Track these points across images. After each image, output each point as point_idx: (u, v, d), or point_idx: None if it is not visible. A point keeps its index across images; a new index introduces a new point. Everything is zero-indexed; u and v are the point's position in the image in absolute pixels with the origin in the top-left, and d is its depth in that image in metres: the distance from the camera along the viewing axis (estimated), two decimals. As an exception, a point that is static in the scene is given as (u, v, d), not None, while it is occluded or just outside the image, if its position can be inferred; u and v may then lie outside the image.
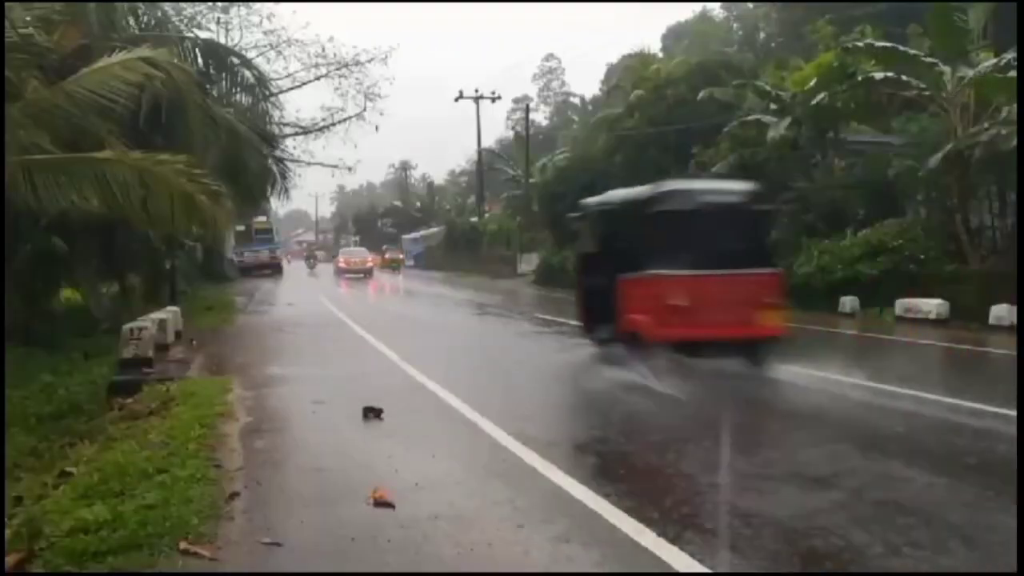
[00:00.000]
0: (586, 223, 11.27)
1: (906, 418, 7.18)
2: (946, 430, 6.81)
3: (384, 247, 57.73)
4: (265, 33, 25.22)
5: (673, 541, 4.05)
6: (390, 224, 76.10)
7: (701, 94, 24.39)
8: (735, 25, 54.75)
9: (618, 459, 6.02)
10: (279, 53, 25.29)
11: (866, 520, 4.43)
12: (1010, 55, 14.53)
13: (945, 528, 4.36)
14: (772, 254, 9.86)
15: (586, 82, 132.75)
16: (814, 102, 18.75)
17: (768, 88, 22.20)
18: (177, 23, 20.01)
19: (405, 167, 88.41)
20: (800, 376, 8.80)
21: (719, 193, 9.85)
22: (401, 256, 53.56)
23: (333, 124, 26.97)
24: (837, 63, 19.02)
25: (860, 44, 17.92)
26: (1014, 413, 6.52)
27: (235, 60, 17.68)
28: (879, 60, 17.63)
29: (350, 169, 30.08)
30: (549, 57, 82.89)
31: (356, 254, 44.76)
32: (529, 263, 36.23)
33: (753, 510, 4.53)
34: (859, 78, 17.65)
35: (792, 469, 5.48)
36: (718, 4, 59.29)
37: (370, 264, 42.10)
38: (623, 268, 9.31)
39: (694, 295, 8.38)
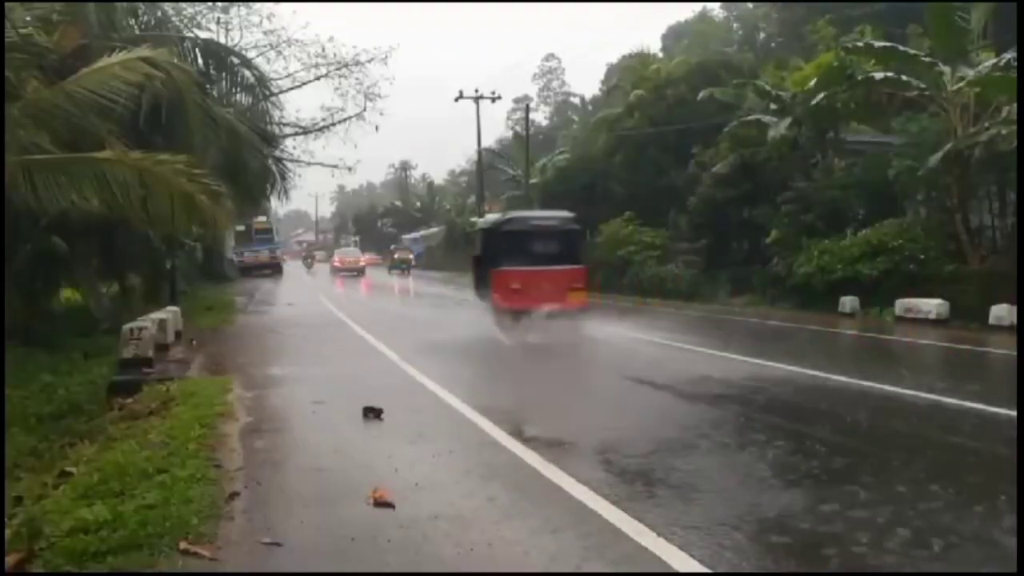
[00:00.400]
0: (474, 236, 16.99)
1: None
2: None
3: (392, 247, 57.76)
4: (265, 33, 25.19)
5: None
6: (390, 224, 76.03)
7: (701, 94, 24.40)
8: (735, 25, 54.66)
9: (627, 463, 6.00)
10: (279, 53, 25.25)
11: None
12: (1010, 55, 14.55)
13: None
14: (580, 256, 14.69)
15: (586, 82, 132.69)
16: (814, 102, 18.76)
17: (768, 88, 22.19)
18: (177, 23, 19.96)
19: (405, 167, 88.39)
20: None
21: (544, 219, 15.13)
22: (410, 256, 52.81)
23: (333, 124, 26.91)
24: (837, 63, 19.00)
25: (860, 44, 17.93)
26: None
27: (235, 60, 17.68)
28: (879, 60, 17.63)
29: (350, 169, 30.01)
30: (549, 57, 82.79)
31: (350, 254, 50.84)
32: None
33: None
34: (859, 78, 17.65)
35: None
36: (718, 4, 59.28)
37: (362, 264, 47.00)
38: (491, 265, 14.11)
39: (524, 281, 13.23)
